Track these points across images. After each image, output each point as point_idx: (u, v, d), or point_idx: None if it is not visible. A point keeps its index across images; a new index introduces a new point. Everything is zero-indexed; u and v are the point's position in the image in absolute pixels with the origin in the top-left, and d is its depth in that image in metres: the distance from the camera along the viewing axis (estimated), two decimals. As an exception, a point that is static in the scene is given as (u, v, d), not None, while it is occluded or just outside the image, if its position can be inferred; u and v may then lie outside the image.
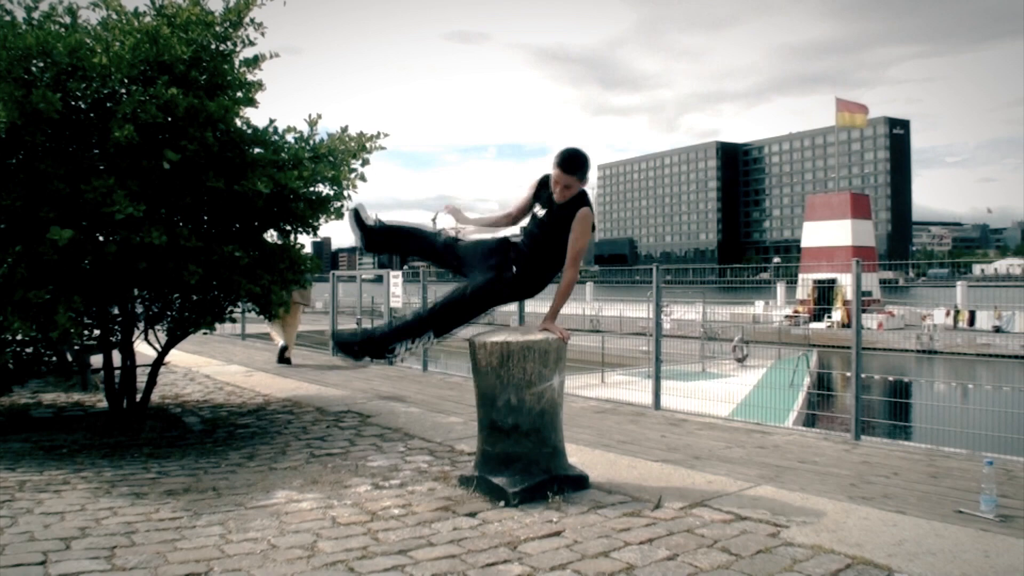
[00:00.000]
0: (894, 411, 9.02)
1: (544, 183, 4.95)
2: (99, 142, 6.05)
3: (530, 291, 5.12)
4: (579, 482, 4.91)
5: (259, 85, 6.88)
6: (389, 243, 5.50)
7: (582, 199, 4.84)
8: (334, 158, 7.07)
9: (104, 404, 7.79)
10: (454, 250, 5.21)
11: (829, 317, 29.22)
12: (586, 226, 4.79)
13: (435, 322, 5.04)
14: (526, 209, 5.08)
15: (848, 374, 7.86)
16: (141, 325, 7.39)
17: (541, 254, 4.90)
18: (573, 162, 4.76)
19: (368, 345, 5.19)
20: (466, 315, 5.02)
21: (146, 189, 6.02)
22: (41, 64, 5.75)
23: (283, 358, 13.47)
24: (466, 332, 5.14)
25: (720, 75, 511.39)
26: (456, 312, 5.01)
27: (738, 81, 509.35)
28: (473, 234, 5.30)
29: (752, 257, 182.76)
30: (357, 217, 5.34)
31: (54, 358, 7.79)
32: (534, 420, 4.72)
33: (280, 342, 13.78)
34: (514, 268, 4.93)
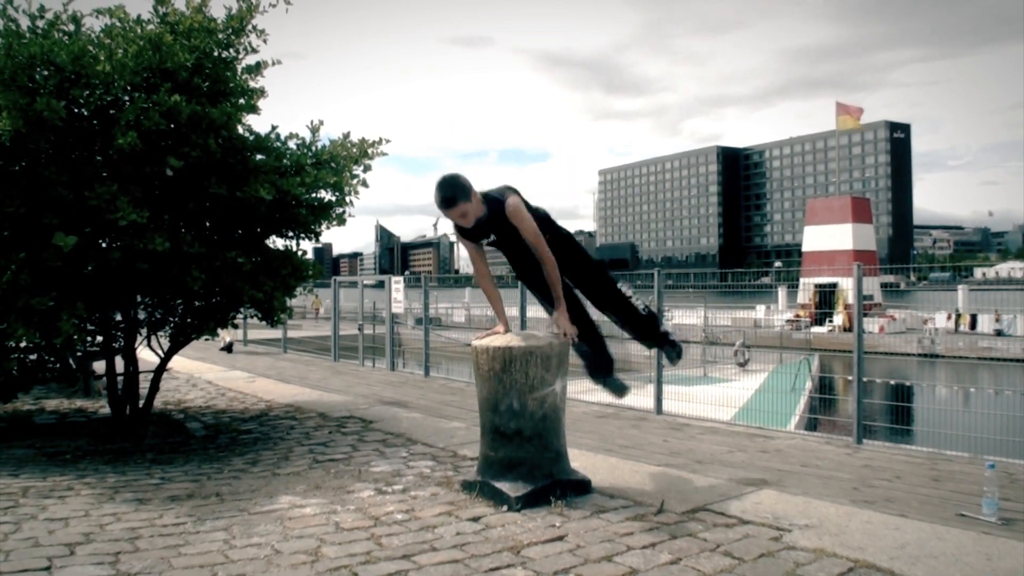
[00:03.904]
0: (896, 415, 9.02)
1: (459, 228, 4.85)
2: (102, 149, 6.08)
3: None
4: (582, 487, 4.92)
5: (261, 92, 6.91)
6: None
7: (495, 203, 4.71)
8: (336, 164, 7.09)
9: (107, 410, 7.80)
10: None
11: (830, 321, 29.25)
12: (522, 211, 4.66)
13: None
14: (479, 254, 5.04)
15: (850, 378, 7.87)
16: (144, 331, 7.41)
17: (530, 259, 4.89)
18: (444, 198, 4.61)
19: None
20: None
21: (149, 195, 6.05)
22: (45, 72, 5.77)
23: (225, 347, 17.02)
24: (468, 336, 5.16)
25: (723, 79, 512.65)
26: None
27: (741, 85, 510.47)
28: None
29: (753, 262, 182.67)
30: None
31: (57, 365, 7.80)
32: (536, 425, 4.72)
33: (228, 339, 17.08)
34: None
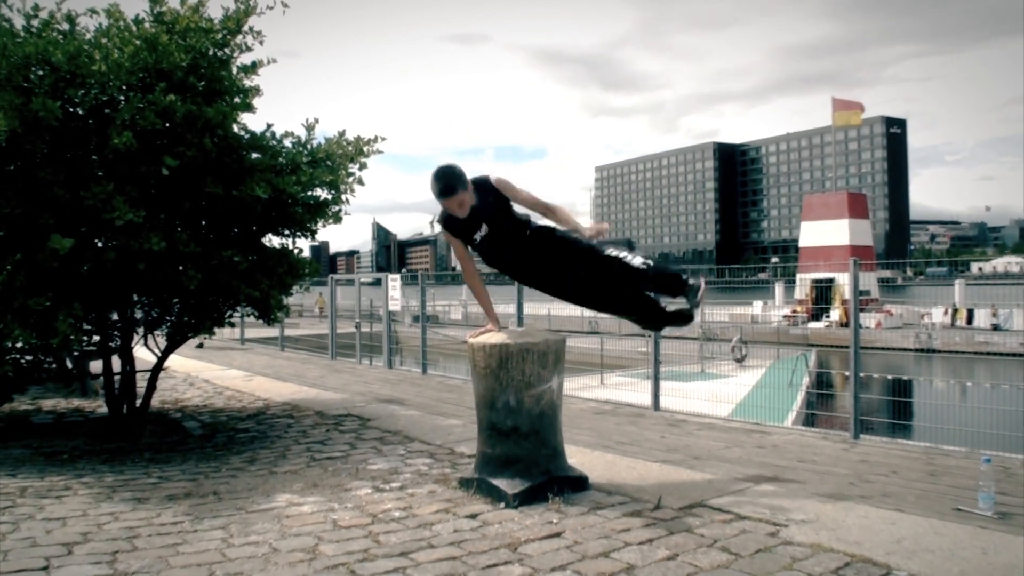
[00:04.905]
0: (893, 410, 9.04)
1: (446, 221, 4.84)
2: (98, 149, 6.07)
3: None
4: (579, 483, 4.93)
5: (256, 91, 6.90)
6: None
7: (481, 184, 4.70)
8: (331, 162, 7.08)
9: (104, 410, 7.80)
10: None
11: (827, 317, 29.26)
12: (510, 181, 4.71)
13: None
14: (466, 251, 4.96)
15: (847, 373, 7.88)
16: (140, 330, 7.40)
17: (524, 247, 4.85)
18: (446, 186, 4.60)
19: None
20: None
21: (145, 195, 6.04)
22: (41, 72, 5.76)
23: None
24: (465, 334, 5.17)
25: (720, 75, 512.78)
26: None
27: (738, 81, 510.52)
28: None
29: (750, 257, 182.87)
30: None
31: (54, 365, 7.80)
32: (533, 422, 4.73)
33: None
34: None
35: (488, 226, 4.76)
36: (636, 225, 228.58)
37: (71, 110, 5.99)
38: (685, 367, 16.18)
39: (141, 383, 7.49)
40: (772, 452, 6.57)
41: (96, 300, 6.48)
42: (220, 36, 6.53)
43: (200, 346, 17.04)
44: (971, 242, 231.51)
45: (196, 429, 7.59)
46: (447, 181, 4.60)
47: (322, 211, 7.19)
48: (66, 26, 6.08)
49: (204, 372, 12.63)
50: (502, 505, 4.59)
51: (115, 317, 7.17)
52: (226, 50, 6.64)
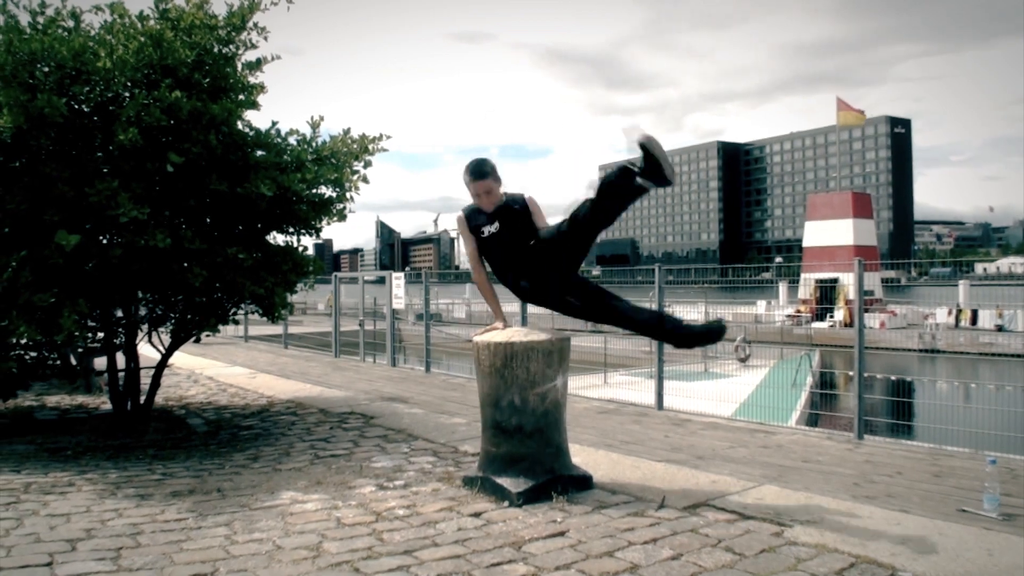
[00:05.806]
0: (897, 410, 9.01)
1: (469, 215, 4.95)
2: (103, 145, 6.08)
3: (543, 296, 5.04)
4: (583, 482, 4.92)
5: (261, 88, 6.91)
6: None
7: (513, 198, 4.89)
8: (336, 160, 7.07)
9: (108, 406, 7.81)
10: None
11: (831, 316, 29.24)
12: (538, 205, 4.90)
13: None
14: (477, 250, 5.02)
15: (851, 373, 7.87)
16: (145, 327, 7.41)
17: (524, 256, 4.84)
18: (481, 166, 4.81)
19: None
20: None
21: (150, 192, 6.04)
22: (46, 69, 5.76)
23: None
24: (469, 332, 5.16)
25: (726, 74, 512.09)
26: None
27: (743, 80, 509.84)
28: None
29: (754, 257, 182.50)
30: None
31: (58, 361, 7.81)
32: (538, 420, 4.72)
33: None
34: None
35: (500, 224, 4.83)
36: (640, 224, 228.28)
37: (76, 107, 5.99)
38: (688, 366, 16.15)
39: (145, 380, 7.51)
40: (776, 452, 6.56)
41: (101, 297, 6.48)
42: (224, 33, 6.54)
43: (197, 341, 16.86)
44: (975, 242, 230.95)
45: (200, 426, 7.60)
46: (480, 166, 4.83)
47: (326, 209, 7.19)
48: (71, 23, 6.08)
49: (208, 369, 12.64)
50: (506, 504, 4.59)
51: (119, 314, 7.18)
52: (231, 47, 6.64)
